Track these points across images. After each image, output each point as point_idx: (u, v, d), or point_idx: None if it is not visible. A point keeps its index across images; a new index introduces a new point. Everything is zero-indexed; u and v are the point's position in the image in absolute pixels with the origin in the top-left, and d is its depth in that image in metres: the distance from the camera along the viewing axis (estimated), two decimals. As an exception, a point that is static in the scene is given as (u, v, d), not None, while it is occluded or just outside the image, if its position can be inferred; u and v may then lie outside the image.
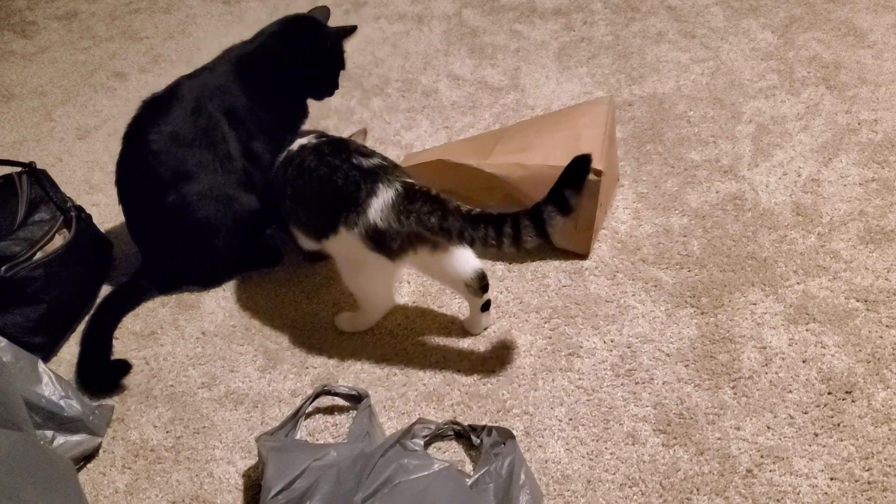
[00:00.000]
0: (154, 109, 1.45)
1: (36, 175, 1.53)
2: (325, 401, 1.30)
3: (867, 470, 1.11)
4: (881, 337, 1.28)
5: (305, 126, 1.61)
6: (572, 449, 1.19)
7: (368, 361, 1.37)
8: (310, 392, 1.28)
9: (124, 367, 1.38)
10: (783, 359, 1.27)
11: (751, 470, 1.13)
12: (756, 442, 1.16)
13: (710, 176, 1.64)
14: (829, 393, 1.21)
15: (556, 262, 1.49)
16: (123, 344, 1.47)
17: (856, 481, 1.10)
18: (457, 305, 1.44)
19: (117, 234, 1.69)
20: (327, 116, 1.98)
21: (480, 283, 1.30)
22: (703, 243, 1.49)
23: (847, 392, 1.21)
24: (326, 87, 1.60)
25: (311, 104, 1.62)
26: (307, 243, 1.42)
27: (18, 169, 1.53)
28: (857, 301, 1.34)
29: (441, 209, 1.19)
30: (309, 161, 1.32)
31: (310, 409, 1.27)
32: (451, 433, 1.23)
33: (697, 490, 1.12)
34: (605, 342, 1.34)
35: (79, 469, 1.25)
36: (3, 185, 1.50)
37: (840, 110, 1.76)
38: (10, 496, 0.90)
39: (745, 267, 1.43)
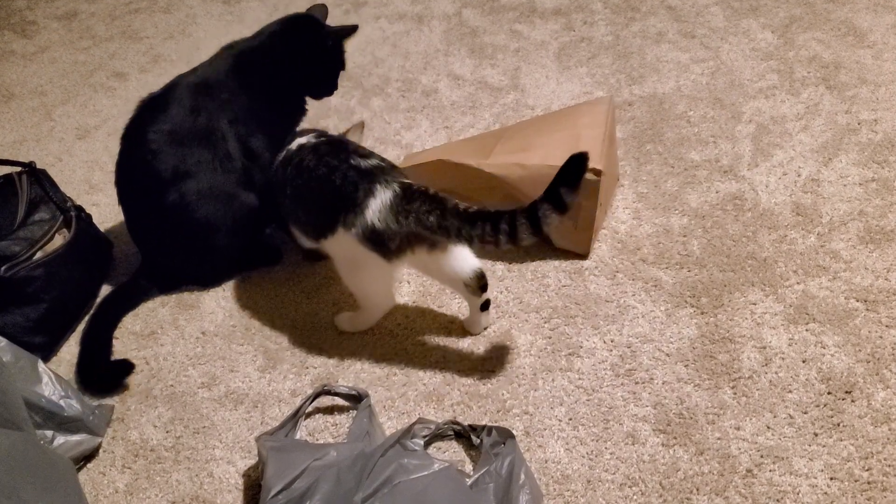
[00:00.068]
0: (152, 109, 1.45)
1: (36, 175, 1.53)
2: (325, 401, 1.30)
3: (867, 470, 1.11)
4: (881, 337, 1.28)
5: (305, 125, 1.61)
6: (572, 449, 1.19)
7: (368, 361, 1.37)
8: (310, 392, 1.28)
9: (127, 366, 1.38)
10: (783, 359, 1.27)
11: (751, 470, 1.13)
12: (756, 442, 1.16)
13: (710, 176, 1.64)
14: (829, 393, 1.21)
15: (556, 262, 1.49)
16: (123, 344, 1.47)
17: (855, 481, 1.10)
18: (457, 305, 1.44)
19: (117, 234, 1.69)
20: (327, 116, 1.98)
21: (479, 283, 1.30)
22: (703, 243, 1.49)
23: (847, 392, 1.21)
24: (326, 86, 1.60)
25: (311, 103, 1.61)
26: (306, 242, 1.42)
27: (18, 169, 1.53)
28: (857, 301, 1.34)
29: (439, 208, 1.19)
30: (307, 161, 1.32)
31: (310, 408, 1.27)
32: (451, 433, 1.23)
33: (697, 490, 1.12)
34: (605, 342, 1.34)
35: (79, 469, 1.25)
36: (3, 184, 1.50)
37: (840, 110, 1.76)
38: (9, 496, 0.90)
39: (745, 267, 1.43)
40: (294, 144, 1.40)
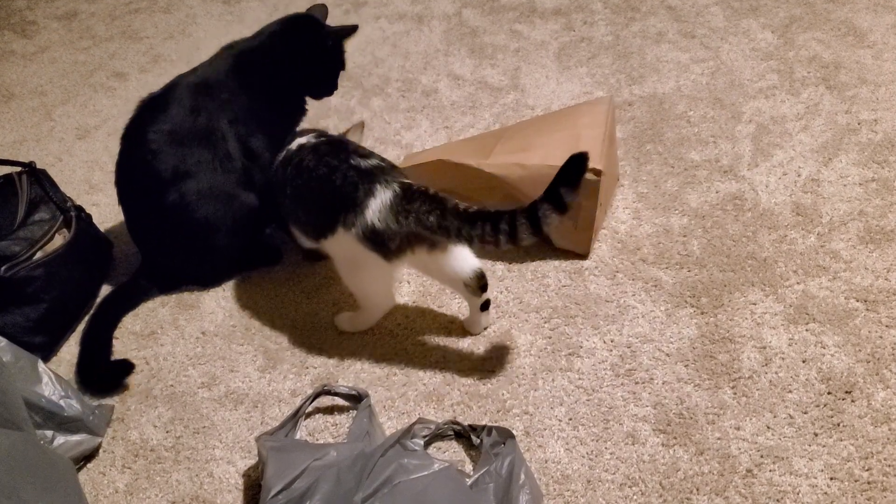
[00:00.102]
0: (152, 109, 1.45)
1: (36, 175, 1.53)
2: (325, 401, 1.30)
3: (867, 470, 1.11)
4: (881, 337, 1.28)
5: (305, 125, 1.61)
6: (572, 449, 1.19)
7: (368, 361, 1.37)
8: (310, 392, 1.28)
9: (127, 366, 1.38)
10: (783, 359, 1.27)
11: (750, 470, 1.13)
12: (756, 442, 1.16)
13: (710, 176, 1.64)
14: (829, 393, 1.21)
15: (556, 262, 1.49)
16: (123, 344, 1.47)
17: (855, 481, 1.10)
18: (457, 305, 1.44)
19: (117, 234, 1.69)
20: (327, 116, 1.98)
21: (479, 283, 1.30)
22: (703, 243, 1.49)
23: (847, 392, 1.21)
24: (326, 86, 1.60)
25: (311, 103, 1.61)
26: (306, 242, 1.42)
27: (18, 169, 1.53)
28: (857, 301, 1.34)
29: (439, 208, 1.19)
30: (307, 161, 1.32)
31: (310, 408, 1.27)
32: (451, 433, 1.23)
33: (697, 490, 1.12)
34: (605, 342, 1.34)
35: (79, 469, 1.25)
36: (3, 184, 1.50)
37: (840, 110, 1.76)
38: (10, 496, 0.90)
39: (744, 267, 1.43)
40: (294, 144, 1.40)
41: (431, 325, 1.42)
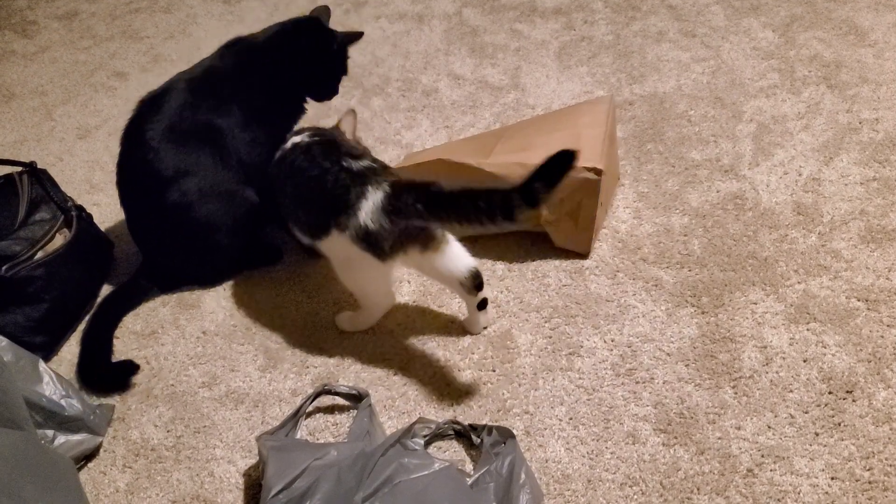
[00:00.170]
0: (152, 107, 1.45)
1: (36, 175, 1.53)
2: (326, 400, 1.30)
3: (868, 469, 1.11)
4: (882, 336, 1.28)
5: (305, 125, 1.61)
6: (572, 448, 1.19)
7: (368, 361, 1.37)
8: (310, 391, 1.28)
9: (132, 366, 1.38)
10: (784, 358, 1.27)
11: (751, 469, 1.13)
12: (757, 441, 1.16)
13: (711, 175, 1.64)
14: (830, 392, 1.21)
15: (557, 262, 1.49)
16: (124, 343, 1.47)
17: (856, 481, 1.10)
18: (456, 305, 1.44)
19: (118, 234, 1.70)
20: (327, 115, 1.98)
21: (474, 282, 1.30)
22: (704, 243, 1.49)
23: (848, 391, 1.21)
24: (327, 89, 1.60)
25: (312, 103, 1.62)
26: (305, 240, 1.42)
27: (19, 168, 1.53)
28: (858, 300, 1.34)
29: (425, 194, 1.19)
30: (300, 161, 1.33)
31: (310, 408, 1.27)
32: (452, 432, 1.23)
33: (698, 489, 1.12)
34: (605, 342, 1.34)
35: (79, 468, 1.25)
36: (3, 184, 1.50)
37: (841, 109, 1.76)
38: (10, 495, 0.90)
39: (745, 266, 1.43)
40: (289, 143, 1.40)
41: (431, 324, 1.42)
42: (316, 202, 1.29)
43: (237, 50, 1.51)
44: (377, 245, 1.23)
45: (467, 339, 1.38)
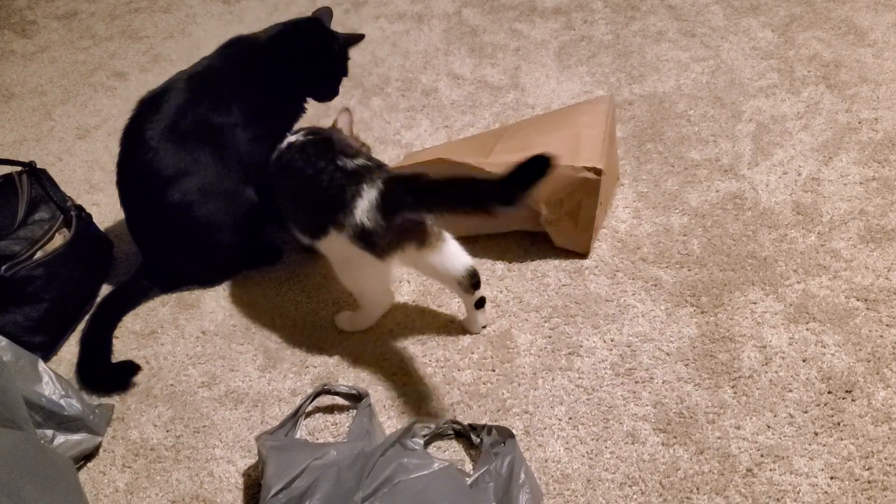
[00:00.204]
0: (152, 106, 1.45)
1: (36, 174, 1.53)
2: (325, 400, 1.30)
3: (867, 469, 1.11)
4: (881, 336, 1.28)
5: (305, 125, 1.61)
6: (572, 448, 1.19)
7: (368, 361, 1.37)
8: (310, 391, 1.28)
9: (133, 367, 1.39)
10: (783, 358, 1.27)
11: (751, 469, 1.13)
12: (756, 441, 1.16)
13: (711, 175, 1.64)
14: (830, 392, 1.21)
15: (556, 262, 1.49)
16: (124, 343, 1.47)
17: (856, 480, 1.10)
18: (456, 305, 1.44)
19: (117, 234, 1.70)
20: (327, 115, 1.98)
21: (471, 280, 1.30)
22: (704, 242, 1.49)
23: (847, 391, 1.21)
24: (327, 90, 1.60)
25: (312, 103, 1.62)
26: (304, 239, 1.42)
27: (18, 168, 1.53)
28: (858, 300, 1.34)
29: (415, 185, 1.19)
30: (295, 161, 1.33)
31: (310, 408, 1.27)
32: (451, 432, 1.23)
33: (697, 489, 1.12)
34: (604, 341, 1.34)
35: (79, 468, 1.25)
36: (3, 184, 1.50)
37: (840, 109, 1.76)
38: (10, 495, 0.90)
39: (745, 266, 1.43)
40: (285, 143, 1.40)
41: (431, 324, 1.42)
42: (313, 202, 1.29)
43: (238, 49, 1.51)
44: (375, 243, 1.23)
45: (467, 339, 1.38)
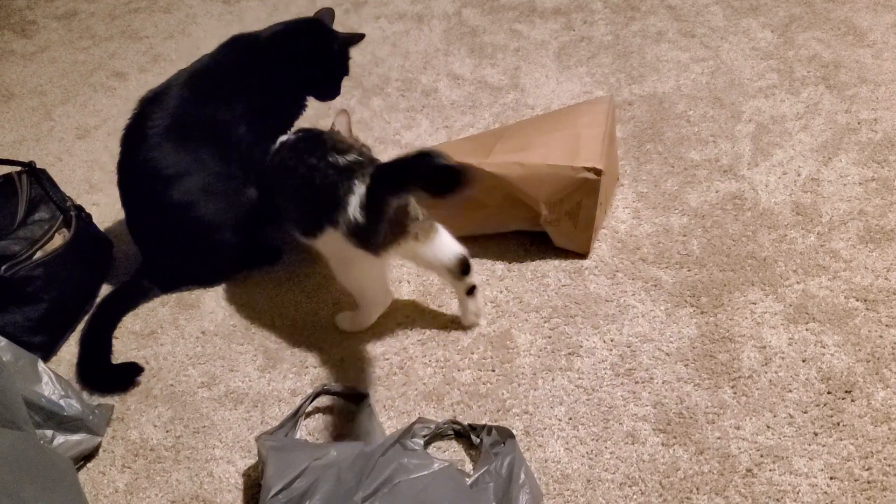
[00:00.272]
0: (152, 106, 1.45)
1: (36, 174, 1.53)
2: (325, 400, 1.30)
3: (867, 469, 1.11)
4: (881, 336, 1.28)
5: (305, 125, 1.61)
6: (572, 448, 1.19)
7: (368, 361, 1.37)
8: (309, 391, 1.28)
9: (136, 368, 1.39)
10: (783, 358, 1.27)
11: (750, 469, 1.13)
12: (756, 441, 1.16)
13: (710, 175, 1.64)
14: (829, 392, 1.21)
15: (556, 262, 1.49)
16: (123, 343, 1.47)
17: (855, 480, 1.10)
18: (456, 305, 1.44)
19: (117, 234, 1.69)
20: (327, 115, 1.98)
21: (461, 267, 1.30)
22: (703, 243, 1.49)
23: (847, 391, 1.21)
24: (329, 89, 1.60)
25: (312, 103, 1.62)
26: (302, 239, 1.42)
27: (18, 168, 1.52)
28: (857, 300, 1.34)
29: (390, 168, 1.19)
30: (288, 160, 1.33)
31: (309, 408, 1.27)
32: (451, 432, 1.23)
33: (697, 489, 1.12)
34: (604, 341, 1.34)
35: (79, 468, 1.25)
36: (2, 184, 1.50)
37: (840, 110, 1.76)
38: (10, 495, 0.90)
39: (744, 266, 1.43)
40: (278, 142, 1.40)
41: (431, 324, 1.42)
42: (306, 200, 1.29)
43: (238, 48, 1.51)
44: (369, 239, 1.23)
45: (467, 339, 1.38)
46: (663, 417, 1.21)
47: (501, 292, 1.45)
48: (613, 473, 1.15)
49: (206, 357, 1.42)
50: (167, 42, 2.40)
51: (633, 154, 1.72)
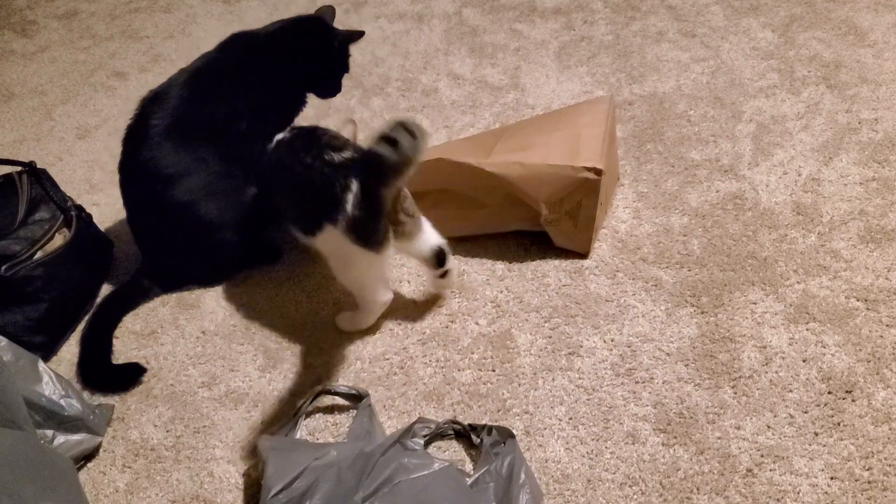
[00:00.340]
0: (153, 106, 1.45)
1: (36, 174, 1.53)
2: (325, 400, 1.30)
3: (867, 469, 1.11)
4: (881, 336, 1.28)
5: (305, 125, 1.61)
6: (572, 448, 1.19)
7: (368, 361, 1.37)
8: (310, 391, 1.28)
9: (138, 369, 1.39)
10: (783, 358, 1.27)
11: (751, 469, 1.13)
12: (756, 441, 1.16)
13: (711, 175, 1.64)
14: (830, 392, 1.21)
15: (557, 262, 1.49)
16: (124, 343, 1.47)
17: (856, 480, 1.10)
18: (456, 304, 1.44)
19: (118, 234, 1.69)
20: (327, 115, 1.98)
21: (437, 258, 1.35)
22: (704, 242, 1.49)
23: (847, 391, 1.21)
24: (330, 87, 1.60)
25: (312, 103, 1.62)
26: (302, 238, 1.42)
27: (18, 168, 1.52)
28: (858, 300, 1.34)
29: (369, 156, 1.20)
30: (284, 158, 1.32)
31: (310, 408, 1.27)
32: (452, 432, 1.23)
33: (697, 489, 1.12)
34: (605, 341, 1.34)
35: (79, 468, 1.25)
36: (3, 184, 1.50)
37: (840, 109, 1.76)
38: (10, 495, 0.90)
39: (745, 266, 1.43)
40: (274, 140, 1.40)
41: (431, 324, 1.42)
42: (305, 199, 1.29)
43: (238, 46, 1.51)
44: (367, 236, 1.23)
45: (467, 339, 1.38)
46: (664, 417, 1.21)
47: (502, 292, 1.45)
48: (614, 473, 1.15)
49: (206, 357, 1.42)
50: (167, 42, 2.40)
51: (633, 154, 1.72)
